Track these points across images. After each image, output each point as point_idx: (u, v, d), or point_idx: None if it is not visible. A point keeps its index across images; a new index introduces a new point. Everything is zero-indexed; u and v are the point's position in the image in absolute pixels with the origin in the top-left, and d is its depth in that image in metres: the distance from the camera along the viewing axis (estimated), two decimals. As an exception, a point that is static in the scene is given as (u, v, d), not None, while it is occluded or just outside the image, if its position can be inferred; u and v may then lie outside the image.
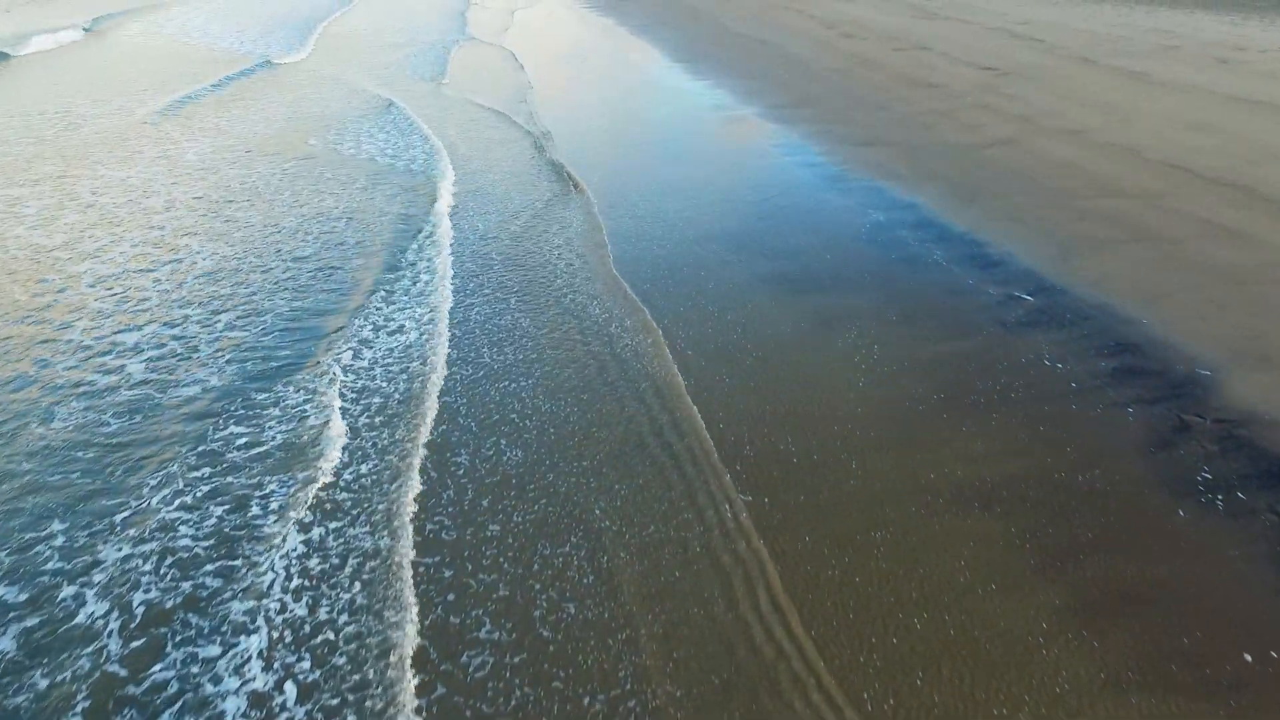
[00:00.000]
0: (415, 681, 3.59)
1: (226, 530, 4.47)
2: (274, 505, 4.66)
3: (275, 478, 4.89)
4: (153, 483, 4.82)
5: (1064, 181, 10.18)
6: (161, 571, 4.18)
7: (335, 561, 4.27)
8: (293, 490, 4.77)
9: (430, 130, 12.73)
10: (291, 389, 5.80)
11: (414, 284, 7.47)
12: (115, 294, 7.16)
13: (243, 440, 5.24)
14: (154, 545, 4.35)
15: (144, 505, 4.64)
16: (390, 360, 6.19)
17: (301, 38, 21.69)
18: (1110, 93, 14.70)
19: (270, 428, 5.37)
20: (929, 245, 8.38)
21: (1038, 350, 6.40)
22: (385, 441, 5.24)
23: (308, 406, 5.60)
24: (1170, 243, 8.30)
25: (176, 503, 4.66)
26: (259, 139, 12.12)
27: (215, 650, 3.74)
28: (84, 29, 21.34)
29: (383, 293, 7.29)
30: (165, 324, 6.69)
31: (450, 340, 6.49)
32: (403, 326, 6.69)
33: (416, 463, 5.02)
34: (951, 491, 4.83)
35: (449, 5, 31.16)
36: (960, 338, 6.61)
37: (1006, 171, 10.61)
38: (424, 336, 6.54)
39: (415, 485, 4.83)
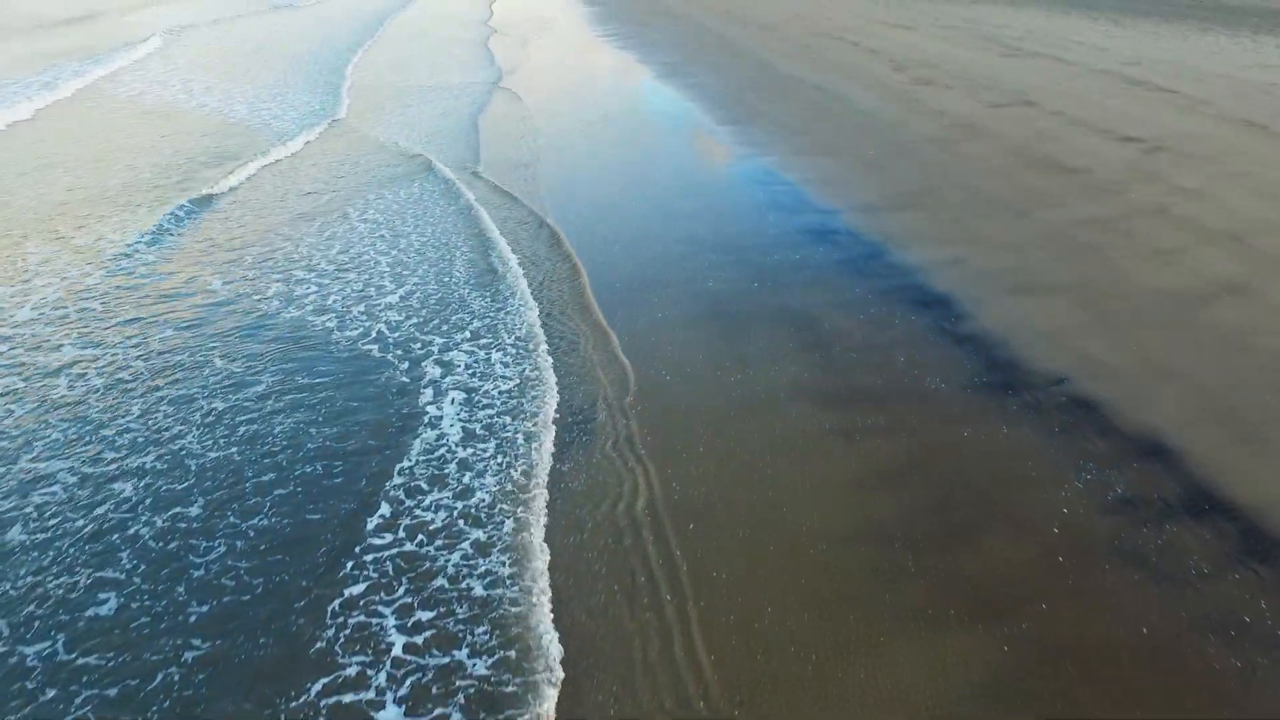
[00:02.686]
0: None
1: None
2: None
3: None
4: None
5: (1379, 387, 6.37)
6: None
7: None
8: None
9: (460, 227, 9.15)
10: None
11: (344, 628, 3.86)
12: None
13: None
14: None
15: None
16: None
17: (332, 92, 17.54)
18: (1324, 185, 10.84)
19: None
20: (1236, 569, 4.62)
21: None
22: None
23: None
24: None
25: None
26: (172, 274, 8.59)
27: None
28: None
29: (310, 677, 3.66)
30: None
31: None
32: None
33: None
34: None
35: (472, 35, 27.68)
36: None
37: (1273, 361, 6.82)
38: None
39: None
